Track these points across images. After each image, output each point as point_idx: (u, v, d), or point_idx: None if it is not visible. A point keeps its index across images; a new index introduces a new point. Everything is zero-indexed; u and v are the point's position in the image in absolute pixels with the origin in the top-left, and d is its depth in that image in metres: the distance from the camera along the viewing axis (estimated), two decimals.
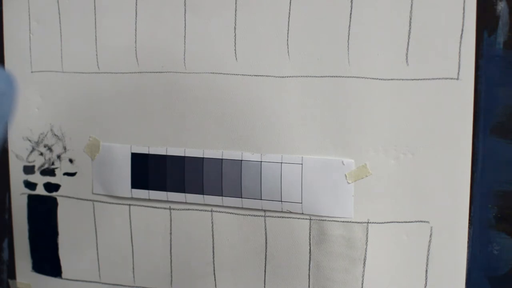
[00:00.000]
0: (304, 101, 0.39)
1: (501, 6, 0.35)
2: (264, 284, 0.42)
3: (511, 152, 0.36)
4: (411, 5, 0.36)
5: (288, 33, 0.39)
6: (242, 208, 0.42)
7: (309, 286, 0.41)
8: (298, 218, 0.40)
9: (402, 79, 0.37)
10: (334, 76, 0.38)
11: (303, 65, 0.39)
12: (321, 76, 0.39)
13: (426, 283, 0.38)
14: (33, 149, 0.48)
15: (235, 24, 0.40)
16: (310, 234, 0.40)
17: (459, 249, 0.37)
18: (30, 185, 0.49)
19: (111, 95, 0.45)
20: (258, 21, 0.40)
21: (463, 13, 0.35)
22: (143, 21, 0.43)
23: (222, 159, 0.42)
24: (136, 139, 0.44)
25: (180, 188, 0.43)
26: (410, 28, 0.37)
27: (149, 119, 0.44)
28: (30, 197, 0.49)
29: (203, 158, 0.42)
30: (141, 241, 0.45)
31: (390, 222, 0.38)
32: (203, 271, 0.44)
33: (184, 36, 0.42)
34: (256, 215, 0.41)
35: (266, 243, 0.42)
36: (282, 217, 0.41)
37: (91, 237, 0.47)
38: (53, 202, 0.48)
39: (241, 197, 0.41)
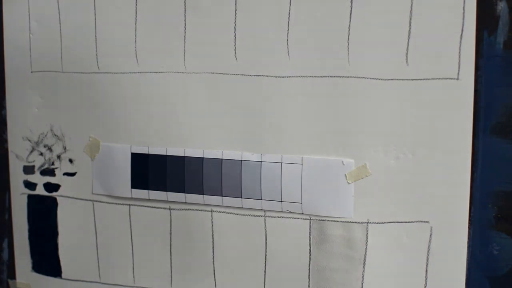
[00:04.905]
0: (304, 101, 0.39)
1: (501, 6, 0.35)
2: (264, 284, 0.42)
3: (511, 152, 0.36)
4: (411, 5, 0.36)
5: (288, 33, 0.39)
6: (242, 208, 0.42)
7: (308, 286, 0.41)
8: (298, 218, 0.40)
9: (402, 79, 0.37)
10: (334, 76, 0.38)
11: (303, 65, 0.39)
12: (321, 76, 0.39)
13: (426, 283, 0.38)
14: (33, 149, 0.48)
15: (235, 24, 0.40)
16: (310, 234, 0.40)
17: (459, 249, 0.37)
18: (30, 185, 0.49)
19: (111, 95, 0.45)
20: (258, 21, 0.40)
21: (463, 13, 0.35)
22: (143, 21, 0.43)
23: (222, 159, 0.42)
24: (136, 139, 0.44)
25: (180, 188, 0.43)
26: (410, 28, 0.37)
27: (149, 119, 0.44)
28: (30, 197, 0.49)
29: (203, 158, 0.42)
30: (141, 241, 0.45)
31: (390, 222, 0.38)
32: (203, 271, 0.44)
33: (184, 36, 0.42)
34: (256, 215, 0.41)
35: (266, 243, 0.42)
36: (282, 217, 0.41)
37: (91, 237, 0.47)
38: (53, 202, 0.48)
39: (241, 197, 0.41)
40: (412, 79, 0.37)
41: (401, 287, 0.39)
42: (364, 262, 0.39)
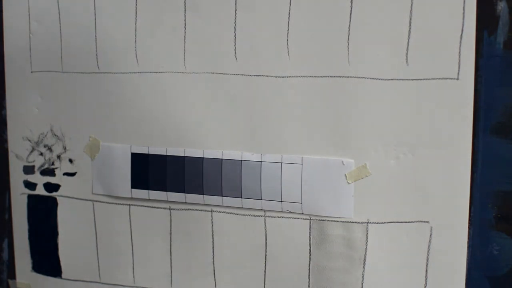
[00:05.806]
0: (304, 101, 0.39)
1: (501, 6, 0.35)
2: (264, 284, 0.42)
3: (511, 152, 0.36)
4: (411, 5, 0.36)
5: (288, 33, 0.39)
6: (242, 208, 0.42)
7: (308, 286, 0.41)
8: (298, 218, 0.40)
9: (402, 79, 0.37)
10: (334, 76, 0.38)
11: (303, 65, 0.39)
12: (321, 76, 0.39)
13: (426, 283, 0.38)
14: (33, 149, 0.48)
15: (235, 24, 0.40)
16: (310, 234, 0.40)
17: (459, 249, 0.37)
18: (30, 185, 0.49)
19: (111, 95, 0.45)
20: (258, 21, 0.40)
21: (463, 13, 0.35)
22: (143, 21, 0.43)
23: (222, 159, 0.42)
24: (136, 139, 0.44)
25: (180, 188, 0.43)
26: (410, 28, 0.37)
27: (149, 119, 0.44)
28: (30, 197, 0.49)
29: (203, 158, 0.42)
30: (141, 241, 0.45)
31: (390, 222, 0.38)
32: (203, 271, 0.44)
33: (184, 36, 0.42)
34: (256, 215, 0.41)
35: (266, 243, 0.42)
36: (282, 217, 0.41)
37: (91, 237, 0.47)
38: (53, 202, 0.48)
39: (241, 197, 0.41)
40: (412, 79, 0.37)
41: (401, 287, 0.39)
42: (364, 262, 0.39)
